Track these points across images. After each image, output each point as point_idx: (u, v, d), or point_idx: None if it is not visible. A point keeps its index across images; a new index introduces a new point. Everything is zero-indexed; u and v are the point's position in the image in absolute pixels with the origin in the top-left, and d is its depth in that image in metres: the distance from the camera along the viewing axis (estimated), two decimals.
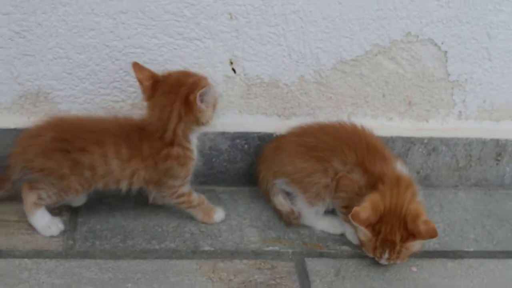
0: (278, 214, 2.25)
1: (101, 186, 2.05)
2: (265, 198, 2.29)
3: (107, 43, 2.15)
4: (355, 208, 1.96)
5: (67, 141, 2.00)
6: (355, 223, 1.97)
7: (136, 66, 2.03)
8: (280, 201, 2.20)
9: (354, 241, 2.14)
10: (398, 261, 2.04)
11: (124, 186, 2.04)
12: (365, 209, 1.97)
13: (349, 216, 1.97)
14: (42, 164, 1.99)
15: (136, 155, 2.00)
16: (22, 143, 2.04)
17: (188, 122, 2.00)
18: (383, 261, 2.05)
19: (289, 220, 2.21)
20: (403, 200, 2.04)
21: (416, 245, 2.02)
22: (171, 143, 2.01)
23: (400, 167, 2.14)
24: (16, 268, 1.93)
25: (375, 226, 1.98)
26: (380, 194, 2.02)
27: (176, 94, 1.97)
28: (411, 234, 1.99)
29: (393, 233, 1.99)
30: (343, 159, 2.12)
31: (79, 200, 2.14)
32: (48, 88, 2.21)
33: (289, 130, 2.29)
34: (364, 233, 2.00)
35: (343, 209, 2.14)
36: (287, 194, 2.22)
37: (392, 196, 2.02)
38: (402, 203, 2.03)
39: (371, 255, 2.06)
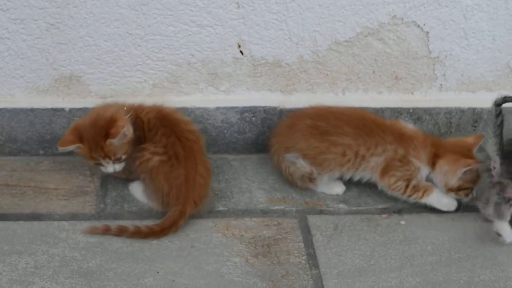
0: (291, 178, 2.29)
1: None
2: (277, 168, 2.34)
3: (130, 32, 2.24)
4: (465, 162, 2.15)
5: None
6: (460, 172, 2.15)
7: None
8: (301, 163, 2.24)
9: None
10: None
11: None
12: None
13: (458, 171, 2.14)
14: None
15: None
16: None
17: None
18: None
19: (304, 180, 2.26)
20: (444, 141, 2.27)
21: None
22: None
23: (404, 124, 2.31)
24: (56, 229, 2.05)
25: None
26: (442, 155, 2.21)
27: None
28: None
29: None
30: (366, 144, 2.22)
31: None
32: (79, 72, 2.30)
33: (302, 110, 2.34)
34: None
35: (404, 182, 2.21)
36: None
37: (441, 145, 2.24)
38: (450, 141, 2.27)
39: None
